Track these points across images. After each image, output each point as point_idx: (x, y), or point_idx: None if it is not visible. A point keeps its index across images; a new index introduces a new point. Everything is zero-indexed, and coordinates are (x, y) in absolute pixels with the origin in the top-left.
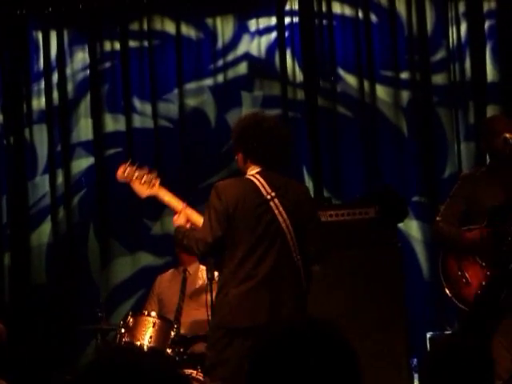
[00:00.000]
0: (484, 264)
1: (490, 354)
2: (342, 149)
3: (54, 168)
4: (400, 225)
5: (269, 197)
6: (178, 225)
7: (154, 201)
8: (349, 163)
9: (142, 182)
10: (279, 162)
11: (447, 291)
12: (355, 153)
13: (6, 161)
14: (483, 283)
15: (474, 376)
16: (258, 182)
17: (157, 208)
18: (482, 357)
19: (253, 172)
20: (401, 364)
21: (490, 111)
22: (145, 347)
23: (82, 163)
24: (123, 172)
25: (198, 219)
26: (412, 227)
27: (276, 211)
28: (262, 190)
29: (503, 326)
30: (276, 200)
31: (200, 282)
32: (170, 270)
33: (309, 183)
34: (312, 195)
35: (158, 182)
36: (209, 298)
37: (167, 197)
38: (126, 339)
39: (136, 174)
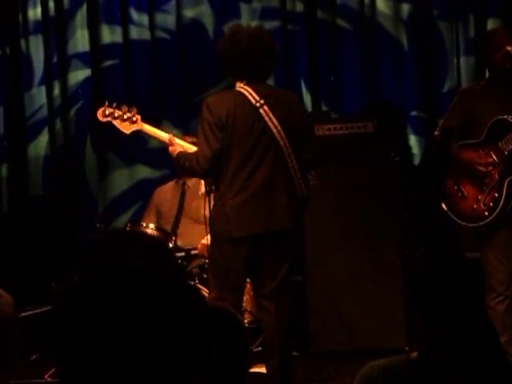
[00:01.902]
0: (481, 178)
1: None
2: (340, 62)
3: (50, 79)
4: (398, 139)
5: (258, 104)
6: (175, 153)
7: (150, 114)
8: (347, 77)
9: (124, 118)
10: (263, 74)
11: (443, 205)
12: (354, 66)
13: (1, 72)
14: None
15: (456, 285)
16: (246, 92)
17: (154, 121)
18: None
19: (241, 84)
20: (396, 278)
21: (491, 25)
22: None
23: (79, 75)
24: (103, 113)
25: (189, 146)
26: (410, 142)
27: (266, 118)
28: (250, 98)
29: (497, 239)
30: (265, 107)
31: (200, 195)
32: (170, 183)
33: (307, 97)
34: (310, 109)
35: (139, 117)
36: (207, 211)
37: (151, 129)
38: None
39: (116, 113)
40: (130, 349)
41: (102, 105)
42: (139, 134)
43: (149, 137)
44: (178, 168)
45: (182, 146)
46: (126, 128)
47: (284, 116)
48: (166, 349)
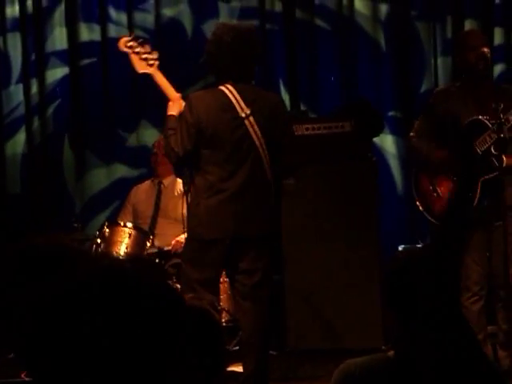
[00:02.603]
0: (455, 179)
1: (453, 266)
2: (319, 62)
3: (28, 77)
4: (375, 139)
5: (243, 114)
6: (170, 113)
7: (128, 113)
8: (325, 76)
9: (142, 57)
10: (247, 74)
11: (419, 205)
12: (332, 65)
13: None
14: (449, 197)
15: (436, 286)
16: (232, 97)
17: (132, 120)
18: (443, 267)
19: (226, 84)
20: (373, 277)
21: (468, 25)
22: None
23: (57, 73)
24: (126, 42)
25: None
26: (387, 142)
27: (250, 129)
28: (237, 106)
29: (474, 241)
30: (251, 118)
31: (175, 194)
32: (147, 182)
33: (285, 96)
34: (288, 109)
35: (156, 63)
36: (185, 211)
37: (162, 80)
38: (101, 249)
39: (138, 48)
40: (108, 350)
41: (127, 35)
42: (118, 134)
43: (157, 85)
44: (164, 133)
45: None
46: (141, 67)
47: (267, 124)
48: (144, 348)
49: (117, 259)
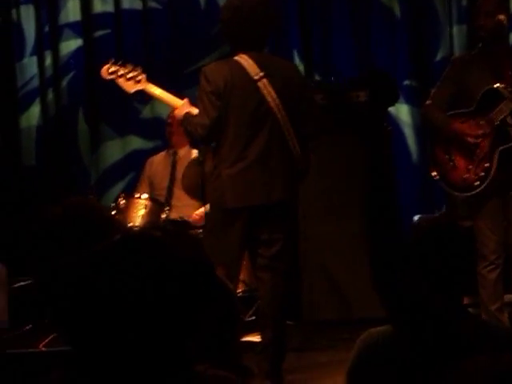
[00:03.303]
0: (471, 148)
1: (469, 236)
2: (333, 32)
3: (42, 49)
4: (390, 108)
5: (256, 77)
6: (183, 114)
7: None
8: (340, 46)
9: (128, 77)
10: (263, 42)
11: (434, 174)
12: (346, 35)
13: None
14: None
15: (455, 255)
16: (245, 62)
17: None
18: (461, 236)
19: (240, 54)
20: None
21: None
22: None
23: (71, 45)
24: (107, 70)
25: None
26: (402, 111)
27: (265, 91)
28: (250, 70)
29: (488, 209)
30: (264, 80)
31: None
32: (161, 153)
33: (300, 66)
34: None
35: (144, 77)
36: (199, 181)
37: (157, 90)
38: None
39: (121, 71)
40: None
41: (107, 62)
42: (132, 105)
43: (152, 98)
44: (184, 129)
45: (191, 111)
46: (130, 87)
47: (283, 88)
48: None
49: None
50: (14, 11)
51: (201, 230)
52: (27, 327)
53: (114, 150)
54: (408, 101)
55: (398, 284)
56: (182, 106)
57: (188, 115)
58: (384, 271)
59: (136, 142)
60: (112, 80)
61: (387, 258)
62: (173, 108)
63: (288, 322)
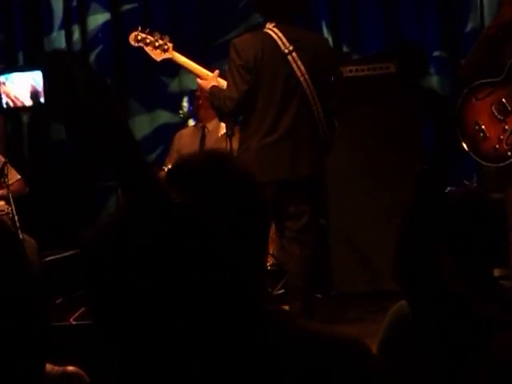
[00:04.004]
0: (501, 118)
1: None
2: (361, 3)
3: (69, 24)
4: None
5: (286, 50)
6: (209, 87)
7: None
8: (368, 17)
9: (156, 46)
10: (293, 13)
11: (465, 146)
12: (375, 6)
13: (21, 17)
14: None
15: (487, 226)
16: (275, 36)
17: (174, 65)
18: (493, 207)
19: (270, 26)
20: None
21: None
22: None
23: (98, 19)
24: (135, 37)
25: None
26: (432, 82)
27: (294, 65)
28: (280, 43)
29: None
30: (294, 54)
31: (220, 139)
32: (190, 126)
33: (328, 38)
34: None
35: (171, 46)
36: None
37: (183, 60)
38: None
39: (148, 39)
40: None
41: (135, 29)
42: (160, 80)
43: (180, 66)
44: (210, 103)
45: (220, 83)
46: (157, 55)
47: (312, 62)
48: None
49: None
50: None
51: None
52: (58, 301)
53: (143, 125)
54: (438, 72)
55: (426, 262)
56: (209, 79)
57: (215, 89)
58: (412, 248)
59: (164, 116)
60: (140, 47)
61: (417, 230)
62: (200, 78)
63: (317, 295)
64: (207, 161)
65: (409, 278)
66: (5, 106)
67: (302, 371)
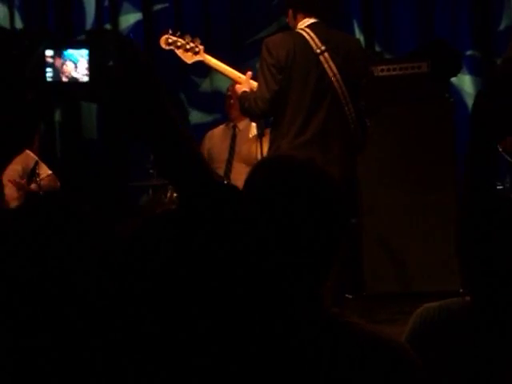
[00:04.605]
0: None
1: None
2: (394, 1)
3: (101, 23)
4: (453, 79)
5: (318, 51)
6: (240, 92)
7: None
8: (401, 16)
9: (186, 48)
10: (328, 11)
11: (497, 146)
12: (408, 5)
13: (54, 16)
14: None
15: None
16: (307, 36)
17: (205, 65)
18: None
19: (302, 26)
20: (450, 220)
21: None
22: None
23: (130, 18)
24: (166, 41)
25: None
26: (465, 82)
27: (326, 65)
28: (312, 43)
29: None
30: (326, 54)
31: (250, 139)
32: (221, 126)
33: (360, 37)
34: None
35: (202, 48)
36: (259, 155)
37: (215, 62)
38: (176, 195)
39: (179, 41)
40: None
41: (166, 32)
42: (191, 79)
43: (211, 68)
44: (240, 107)
45: (252, 85)
46: (188, 58)
47: (343, 63)
48: None
49: None
50: None
51: None
52: None
53: None
54: (471, 71)
55: (490, 253)
56: (242, 82)
57: (246, 93)
58: (473, 241)
59: (195, 116)
60: (171, 50)
61: (477, 226)
62: (231, 80)
63: (348, 296)
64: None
65: (476, 277)
66: (50, 79)
67: (349, 369)
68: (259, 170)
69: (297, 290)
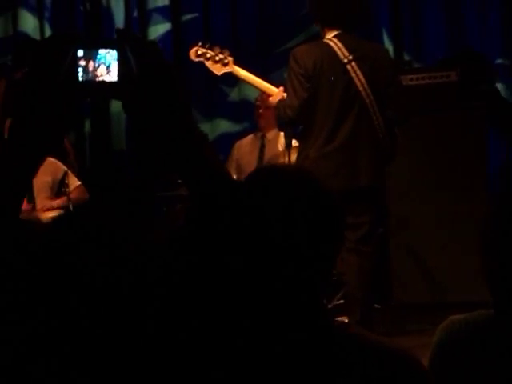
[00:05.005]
0: None
1: None
2: (423, 10)
3: None
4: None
5: (346, 60)
6: (273, 102)
7: None
8: (430, 25)
9: (216, 60)
10: (355, 22)
11: None
12: (437, 14)
13: (83, 27)
14: None
15: None
16: (334, 46)
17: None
18: None
19: (330, 36)
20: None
21: None
22: None
23: (159, 29)
24: (195, 53)
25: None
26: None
27: (353, 74)
28: (339, 52)
29: None
30: (353, 63)
31: (279, 148)
32: (249, 136)
33: (389, 46)
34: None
35: (231, 60)
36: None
37: (244, 74)
38: None
39: (208, 53)
40: None
41: (196, 45)
42: (220, 88)
43: (240, 80)
44: (276, 118)
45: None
46: (218, 69)
47: (371, 72)
48: None
49: None
50: None
51: None
52: None
53: None
54: (501, 79)
55: None
56: (275, 93)
57: (279, 103)
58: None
59: (224, 125)
60: (200, 62)
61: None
62: (260, 91)
63: (376, 306)
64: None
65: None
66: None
67: (354, 379)
68: (253, 180)
69: (296, 302)
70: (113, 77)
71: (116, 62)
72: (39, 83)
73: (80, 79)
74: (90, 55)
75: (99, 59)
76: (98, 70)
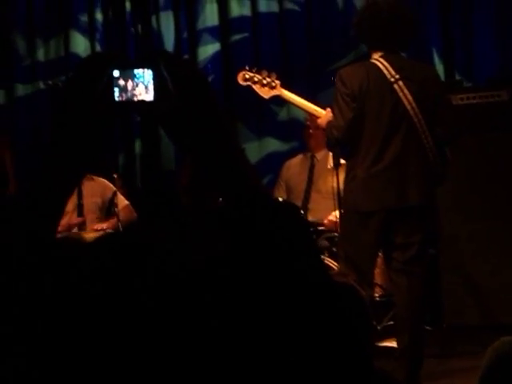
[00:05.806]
0: None
1: None
2: (474, 29)
3: (180, 54)
4: None
5: (392, 79)
6: (322, 124)
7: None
8: (482, 44)
9: (263, 84)
10: (401, 44)
11: None
12: (488, 32)
13: (134, 49)
14: None
15: None
16: (381, 65)
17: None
18: None
19: (376, 56)
20: None
21: None
22: None
23: (208, 49)
24: (243, 77)
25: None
26: None
27: (400, 93)
28: (386, 72)
29: None
30: (400, 82)
31: (329, 168)
32: (298, 156)
33: (439, 66)
34: (442, 79)
35: (278, 83)
36: (335, 184)
37: (292, 97)
38: None
39: (256, 77)
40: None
41: (243, 69)
42: (269, 107)
43: (288, 103)
44: (326, 139)
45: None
46: (266, 93)
47: (419, 91)
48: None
49: None
50: (153, 18)
51: (336, 234)
52: None
53: (252, 153)
54: None
55: None
56: (322, 115)
57: (328, 123)
58: None
59: (273, 144)
60: (248, 86)
61: None
62: (308, 114)
63: (427, 327)
64: None
65: None
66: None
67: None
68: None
69: None
70: (150, 96)
71: (152, 81)
72: (75, 101)
73: (117, 99)
74: (127, 75)
75: (138, 78)
76: (137, 90)
